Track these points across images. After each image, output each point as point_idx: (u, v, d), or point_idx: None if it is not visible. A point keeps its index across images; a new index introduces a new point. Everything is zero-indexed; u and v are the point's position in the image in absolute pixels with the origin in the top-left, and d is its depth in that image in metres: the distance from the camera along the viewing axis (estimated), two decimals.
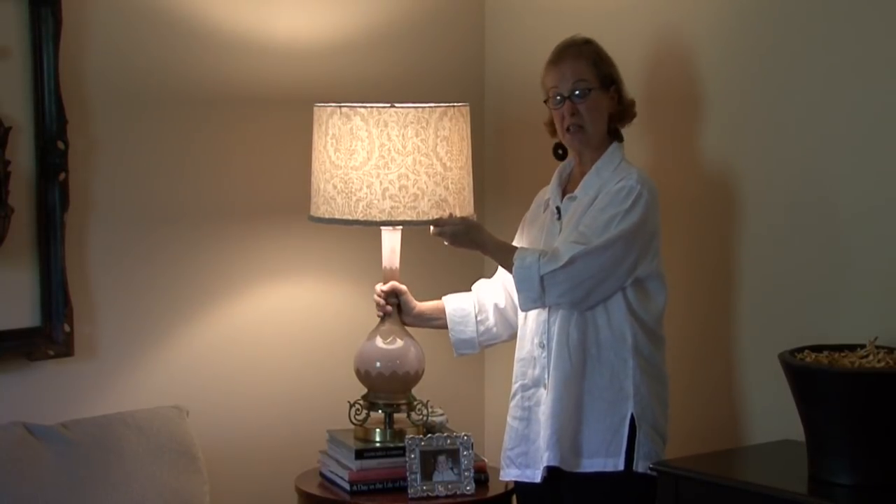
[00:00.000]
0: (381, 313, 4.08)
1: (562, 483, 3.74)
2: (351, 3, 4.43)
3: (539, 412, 3.79)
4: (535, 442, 3.79)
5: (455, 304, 4.08)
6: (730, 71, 3.99)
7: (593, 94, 3.75)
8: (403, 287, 4.08)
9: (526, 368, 3.84)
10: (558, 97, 3.77)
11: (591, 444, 3.70)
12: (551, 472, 3.73)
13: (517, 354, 3.90)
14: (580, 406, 3.71)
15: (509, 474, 3.87)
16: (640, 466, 3.67)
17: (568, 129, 3.77)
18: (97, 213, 4.03)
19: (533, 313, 3.81)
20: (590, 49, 3.79)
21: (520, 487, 3.90)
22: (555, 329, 3.74)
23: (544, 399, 3.77)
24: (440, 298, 4.12)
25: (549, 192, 3.91)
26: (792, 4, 3.84)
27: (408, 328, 4.10)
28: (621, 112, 3.81)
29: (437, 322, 4.10)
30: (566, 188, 3.86)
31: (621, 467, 3.68)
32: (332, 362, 4.35)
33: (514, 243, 3.91)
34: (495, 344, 4.09)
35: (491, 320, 4.04)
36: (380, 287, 4.08)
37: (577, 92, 3.75)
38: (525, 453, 3.82)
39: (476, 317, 4.05)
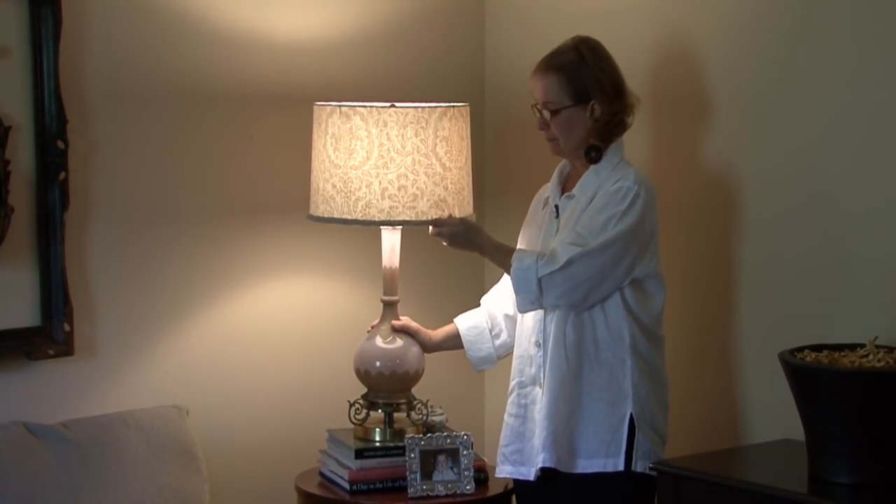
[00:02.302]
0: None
1: (559, 483, 3.74)
2: (351, 2, 4.43)
3: (535, 410, 3.79)
4: (531, 440, 3.79)
5: (468, 324, 4.07)
6: (729, 71, 3.99)
7: (563, 114, 3.72)
8: (415, 325, 4.09)
9: (523, 366, 3.84)
10: (534, 108, 3.77)
11: (591, 445, 3.69)
12: (547, 472, 3.73)
13: (515, 351, 3.90)
14: (578, 406, 3.70)
15: (503, 471, 3.87)
16: (639, 466, 3.67)
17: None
18: (97, 212, 4.03)
19: (530, 311, 3.81)
20: (562, 62, 3.71)
21: (518, 485, 3.91)
22: (551, 328, 3.73)
23: (540, 398, 3.77)
24: (448, 313, 4.12)
25: (549, 189, 3.90)
26: (793, 5, 3.84)
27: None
28: (604, 126, 3.72)
29: (454, 346, 4.11)
30: (565, 186, 3.86)
31: (621, 467, 3.67)
32: (332, 362, 4.35)
33: (518, 244, 3.91)
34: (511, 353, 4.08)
35: (505, 332, 4.03)
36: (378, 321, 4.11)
37: (545, 111, 3.74)
38: (520, 451, 3.82)
39: (490, 332, 4.04)
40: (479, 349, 4.06)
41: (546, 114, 3.73)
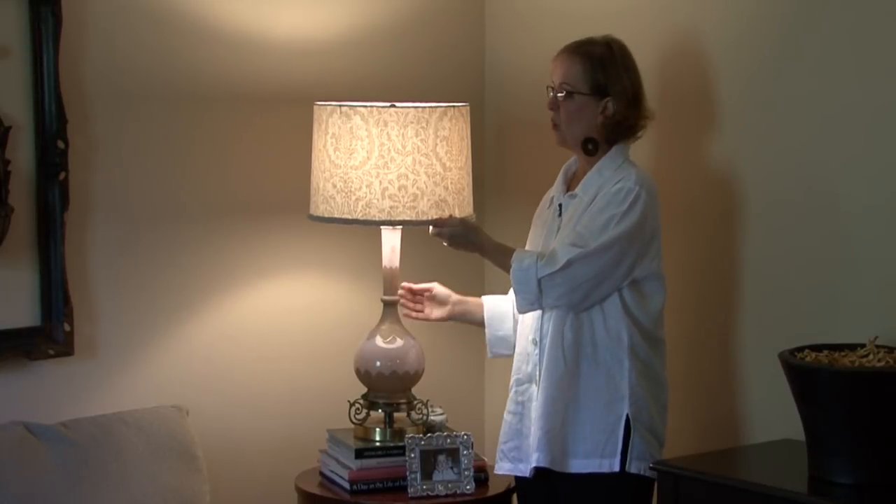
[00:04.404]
0: (413, 314, 4.10)
1: (557, 482, 3.74)
2: (351, 2, 4.43)
3: (531, 408, 3.79)
4: (527, 437, 3.79)
5: (494, 302, 4.04)
6: (731, 72, 3.98)
7: (576, 99, 3.71)
8: (431, 284, 4.07)
9: (521, 364, 3.85)
10: (549, 88, 3.77)
11: (587, 445, 3.69)
12: (544, 471, 3.73)
13: (516, 349, 3.90)
14: (576, 406, 3.70)
15: (502, 468, 3.87)
16: (633, 467, 3.67)
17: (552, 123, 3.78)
18: (97, 212, 4.03)
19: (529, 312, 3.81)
20: (593, 51, 3.72)
21: (518, 482, 3.91)
22: (548, 327, 3.73)
23: (535, 396, 3.77)
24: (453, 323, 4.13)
25: (554, 188, 3.90)
26: (797, 6, 3.84)
27: (408, 329, 4.10)
28: (612, 126, 3.73)
29: (473, 315, 4.06)
30: (570, 185, 3.85)
31: (617, 468, 3.67)
32: (332, 361, 4.35)
33: (526, 246, 3.90)
34: None
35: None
36: (406, 286, 4.07)
37: (560, 92, 3.74)
38: (518, 447, 3.82)
39: (514, 316, 3.98)
40: (499, 328, 4.01)
41: (559, 95, 3.73)
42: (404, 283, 4.10)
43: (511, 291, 4.00)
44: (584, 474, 3.69)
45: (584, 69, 3.71)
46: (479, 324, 4.07)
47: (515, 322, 3.98)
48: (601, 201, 3.68)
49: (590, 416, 3.69)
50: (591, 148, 3.73)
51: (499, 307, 4.04)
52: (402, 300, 4.10)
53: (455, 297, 4.10)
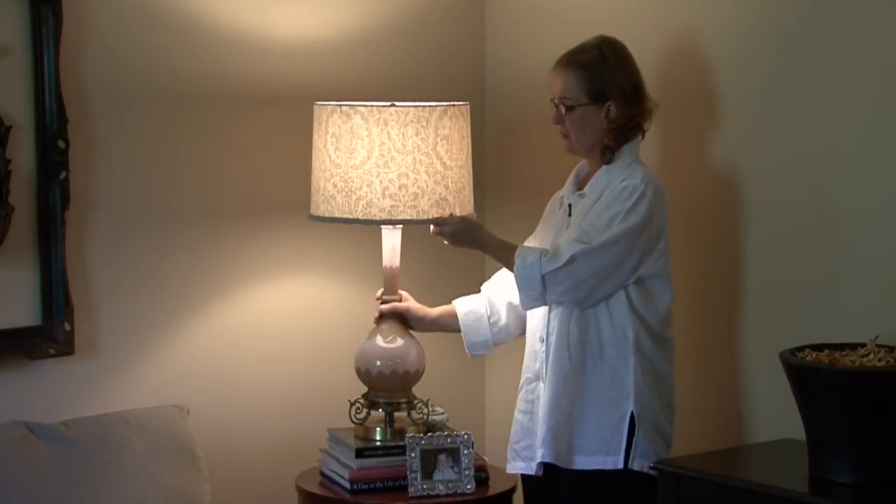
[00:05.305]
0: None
1: (562, 479, 3.75)
2: (351, 2, 4.43)
3: (538, 406, 3.79)
4: (538, 435, 3.79)
5: (467, 308, 4.05)
6: (734, 73, 3.98)
7: (578, 111, 3.73)
8: (405, 304, 4.06)
9: (530, 362, 3.86)
10: (552, 102, 3.78)
11: (592, 442, 3.70)
12: (550, 467, 3.74)
13: (526, 348, 3.90)
14: (581, 403, 3.71)
15: (515, 467, 3.87)
16: (637, 465, 3.67)
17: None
18: (98, 211, 4.03)
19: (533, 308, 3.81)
20: (585, 60, 3.73)
21: (525, 480, 3.90)
22: (554, 325, 3.74)
23: (542, 393, 3.77)
24: (448, 303, 4.10)
25: (565, 188, 3.90)
26: (801, 7, 3.83)
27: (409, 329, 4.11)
28: (618, 129, 3.73)
29: (450, 326, 4.08)
30: (581, 185, 3.85)
31: (621, 465, 3.68)
32: (333, 361, 4.35)
33: (530, 241, 3.90)
34: (509, 341, 4.06)
35: (503, 319, 4.02)
36: (381, 294, 4.07)
37: (561, 106, 3.75)
38: (530, 446, 3.83)
39: (488, 318, 4.02)
40: (476, 334, 4.04)
41: (562, 109, 3.74)
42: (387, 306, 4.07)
43: (484, 288, 4.07)
44: (588, 471, 3.70)
45: (579, 80, 3.72)
46: (456, 331, 4.07)
47: (492, 324, 4.01)
48: (606, 198, 3.69)
49: (594, 413, 3.70)
50: (608, 156, 3.74)
51: (473, 312, 4.04)
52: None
53: (431, 314, 4.08)
